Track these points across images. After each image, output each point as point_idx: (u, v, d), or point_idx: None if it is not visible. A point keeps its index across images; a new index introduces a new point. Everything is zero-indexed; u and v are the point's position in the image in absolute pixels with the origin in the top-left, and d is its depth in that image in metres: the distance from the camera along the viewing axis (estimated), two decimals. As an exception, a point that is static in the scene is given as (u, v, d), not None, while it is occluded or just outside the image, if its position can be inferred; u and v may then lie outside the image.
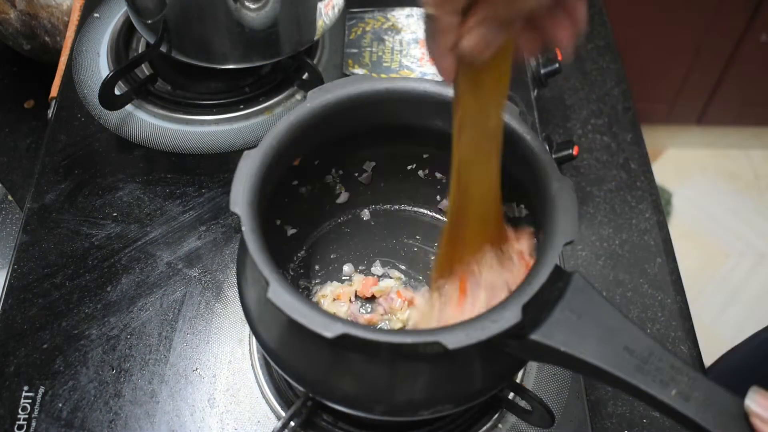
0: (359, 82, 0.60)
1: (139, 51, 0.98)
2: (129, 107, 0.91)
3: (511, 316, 0.47)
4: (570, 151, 0.90)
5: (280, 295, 0.47)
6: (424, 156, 0.72)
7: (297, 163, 0.64)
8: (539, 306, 0.49)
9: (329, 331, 0.46)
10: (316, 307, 0.48)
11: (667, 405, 0.45)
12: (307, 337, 0.49)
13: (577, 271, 0.51)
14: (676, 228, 1.76)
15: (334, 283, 0.73)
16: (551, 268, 0.49)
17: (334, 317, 0.47)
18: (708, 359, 0.89)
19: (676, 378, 0.46)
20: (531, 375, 0.73)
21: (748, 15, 1.94)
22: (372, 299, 0.73)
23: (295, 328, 0.49)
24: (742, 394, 0.44)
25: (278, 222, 0.70)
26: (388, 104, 0.62)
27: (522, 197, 0.65)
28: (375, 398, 0.53)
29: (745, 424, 0.44)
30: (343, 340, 0.46)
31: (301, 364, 0.54)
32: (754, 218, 2.19)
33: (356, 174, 0.74)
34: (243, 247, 0.60)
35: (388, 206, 0.77)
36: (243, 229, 0.50)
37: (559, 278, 0.51)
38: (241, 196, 0.52)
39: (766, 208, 2.22)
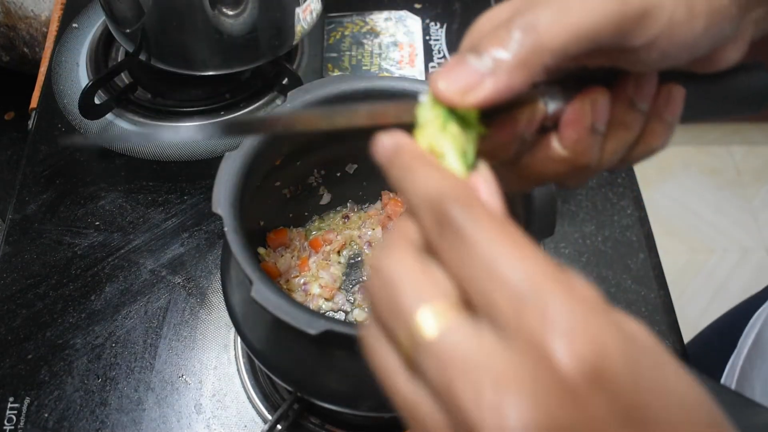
0: (339, 82, 0.61)
1: (119, 60, 0.98)
2: (109, 116, 0.91)
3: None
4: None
5: (264, 293, 0.47)
6: (405, 155, 0.72)
7: (278, 163, 0.64)
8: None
9: (313, 328, 0.46)
10: (300, 304, 0.48)
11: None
12: (292, 335, 0.49)
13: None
14: (659, 225, 1.77)
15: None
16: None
17: (317, 314, 0.47)
18: (693, 353, 0.90)
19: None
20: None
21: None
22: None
23: (279, 326, 0.49)
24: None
25: (261, 223, 0.70)
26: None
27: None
28: (361, 394, 0.53)
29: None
30: (327, 336, 0.46)
31: (287, 363, 0.54)
32: (737, 213, 2.21)
33: (338, 174, 0.74)
34: (226, 248, 0.60)
35: (370, 206, 0.77)
36: (225, 229, 0.50)
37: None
38: (223, 197, 0.52)
39: (748, 203, 2.24)
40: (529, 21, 0.32)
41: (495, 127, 0.36)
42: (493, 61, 0.32)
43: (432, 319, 0.25)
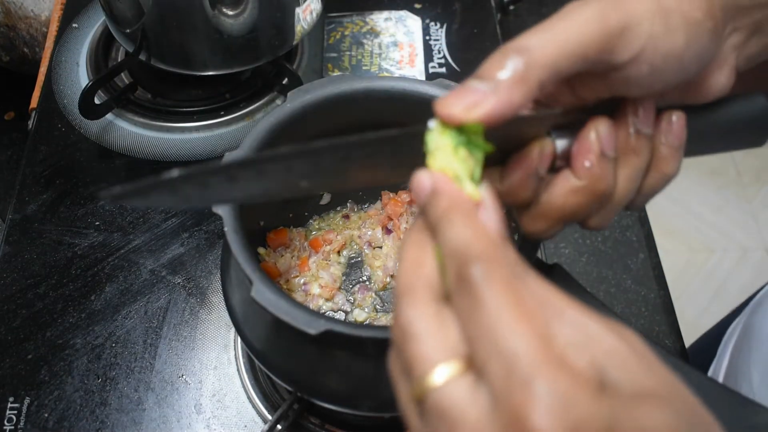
0: (339, 82, 0.61)
1: (119, 60, 0.98)
2: (109, 116, 0.91)
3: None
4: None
5: (264, 293, 0.48)
6: (405, 155, 0.72)
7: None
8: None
9: (313, 328, 0.46)
10: (300, 304, 0.48)
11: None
12: (293, 335, 0.49)
13: (557, 263, 0.52)
14: (660, 226, 1.77)
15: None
16: (531, 262, 0.50)
17: (317, 314, 0.47)
18: (693, 353, 0.90)
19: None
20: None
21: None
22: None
23: (280, 326, 0.49)
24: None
25: (261, 223, 0.70)
26: (368, 103, 0.62)
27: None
28: (362, 394, 0.53)
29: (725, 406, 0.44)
30: (327, 336, 0.46)
31: (287, 363, 0.54)
32: (737, 214, 2.21)
33: (338, 175, 0.74)
34: (226, 248, 0.60)
35: (370, 206, 0.77)
36: (225, 229, 0.50)
37: (540, 270, 0.51)
38: (222, 197, 0.52)
39: (748, 203, 2.24)
40: (521, 44, 0.36)
41: (510, 164, 0.39)
42: (494, 81, 0.35)
43: (440, 376, 0.28)
